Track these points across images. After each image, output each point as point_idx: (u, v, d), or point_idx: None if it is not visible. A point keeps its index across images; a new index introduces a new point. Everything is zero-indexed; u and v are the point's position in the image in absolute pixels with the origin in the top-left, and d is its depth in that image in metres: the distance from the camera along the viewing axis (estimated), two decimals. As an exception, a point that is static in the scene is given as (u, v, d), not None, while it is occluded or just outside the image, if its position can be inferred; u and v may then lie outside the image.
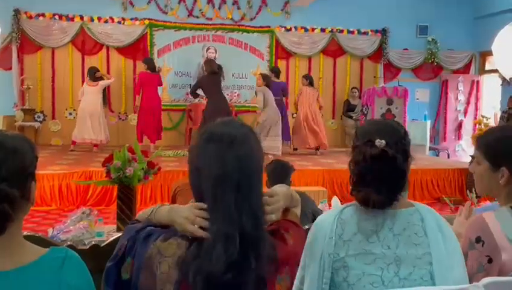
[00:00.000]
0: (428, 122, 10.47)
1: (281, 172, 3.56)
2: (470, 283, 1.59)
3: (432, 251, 1.40)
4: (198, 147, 1.28)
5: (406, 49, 10.90)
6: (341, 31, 10.60)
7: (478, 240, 1.55)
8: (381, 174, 1.41)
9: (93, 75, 8.64)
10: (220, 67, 8.76)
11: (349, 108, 10.48)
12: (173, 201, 4.01)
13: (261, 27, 10.33)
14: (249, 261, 1.15)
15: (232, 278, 1.13)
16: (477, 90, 11.14)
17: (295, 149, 9.17)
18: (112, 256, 1.29)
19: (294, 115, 10.47)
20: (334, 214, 1.47)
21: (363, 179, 1.43)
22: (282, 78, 10.38)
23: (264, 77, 8.38)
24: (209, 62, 8.57)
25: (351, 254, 1.39)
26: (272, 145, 7.88)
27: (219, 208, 1.19)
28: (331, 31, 10.55)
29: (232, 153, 1.22)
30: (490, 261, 1.53)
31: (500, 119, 9.10)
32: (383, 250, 1.39)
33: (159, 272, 1.18)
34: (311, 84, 9.28)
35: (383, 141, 1.43)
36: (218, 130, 1.27)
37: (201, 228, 1.20)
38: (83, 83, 8.95)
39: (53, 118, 9.74)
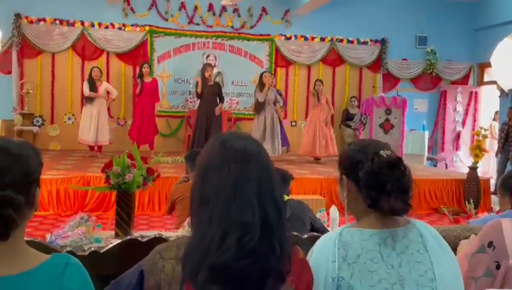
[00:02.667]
0: (427, 133, 10.50)
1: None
2: (469, 285, 1.60)
3: (434, 268, 1.39)
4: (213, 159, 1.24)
5: (405, 59, 10.94)
6: (340, 40, 10.64)
7: (490, 244, 1.57)
8: (399, 182, 1.40)
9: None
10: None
11: (348, 117, 10.51)
12: (171, 208, 4.01)
13: (261, 35, 10.37)
14: (273, 247, 1.14)
15: (249, 265, 1.10)
16: (476, 102, 11.20)
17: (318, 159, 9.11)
18: None
19: (294, 124, 10.51)
20: (334, 237, 1.43)
21: (383, 188, 1.40)
22: (281, 86, 10.43)
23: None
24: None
25: (357, 277, 1.36)
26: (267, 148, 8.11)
27: (238, 201, 1.15)
28: (331, 40, 10.59)
29: (253, 164, 1.21)
30: (498, 267, 1.55)
31: (499, 131, 9.11)
32: (387, 270, 1.37)
33: (164, 275, 1.21)
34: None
35: (388, 151, 1.45)
36: (236, 143, 1.24)
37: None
38: (82, 88, 8.93)
39: (52, 122, 9.74)
